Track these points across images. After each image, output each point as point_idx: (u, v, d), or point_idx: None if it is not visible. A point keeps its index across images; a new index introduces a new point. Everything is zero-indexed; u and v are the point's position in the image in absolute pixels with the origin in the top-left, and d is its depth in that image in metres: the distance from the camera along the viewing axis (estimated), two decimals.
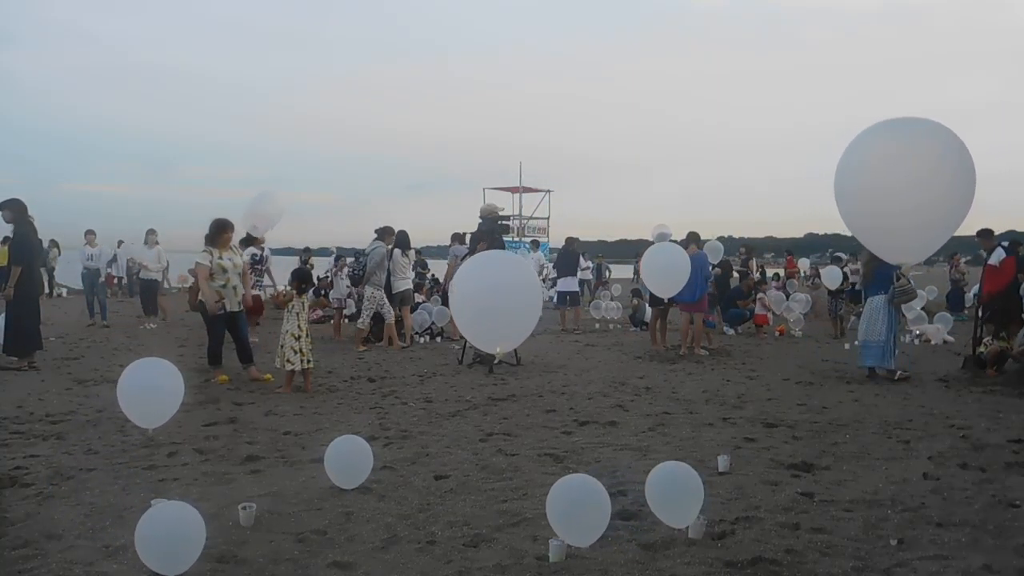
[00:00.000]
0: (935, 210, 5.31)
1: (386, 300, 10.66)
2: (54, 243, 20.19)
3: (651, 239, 14.25)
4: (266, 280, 11.71)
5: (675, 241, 11.09)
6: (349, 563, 3.30)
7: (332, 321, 12.59)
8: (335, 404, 6.76)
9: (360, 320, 10.85)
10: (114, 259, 19.77)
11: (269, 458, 4.94)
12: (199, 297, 7.81)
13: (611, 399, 7.03)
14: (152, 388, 4.80)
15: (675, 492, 3.59)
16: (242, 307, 7.94)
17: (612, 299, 16.96)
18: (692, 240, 10.74)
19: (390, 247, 10.68)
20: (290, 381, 7.30)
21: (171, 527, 3.14)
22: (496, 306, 4.63)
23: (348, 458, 4.33)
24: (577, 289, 14.60)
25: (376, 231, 10.71)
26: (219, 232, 7.79)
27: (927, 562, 3.27)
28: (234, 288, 7.79)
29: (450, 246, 12.60)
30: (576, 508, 3.37)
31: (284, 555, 3.39)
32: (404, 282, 10.94)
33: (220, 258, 7.71)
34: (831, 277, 13.16)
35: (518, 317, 4.82)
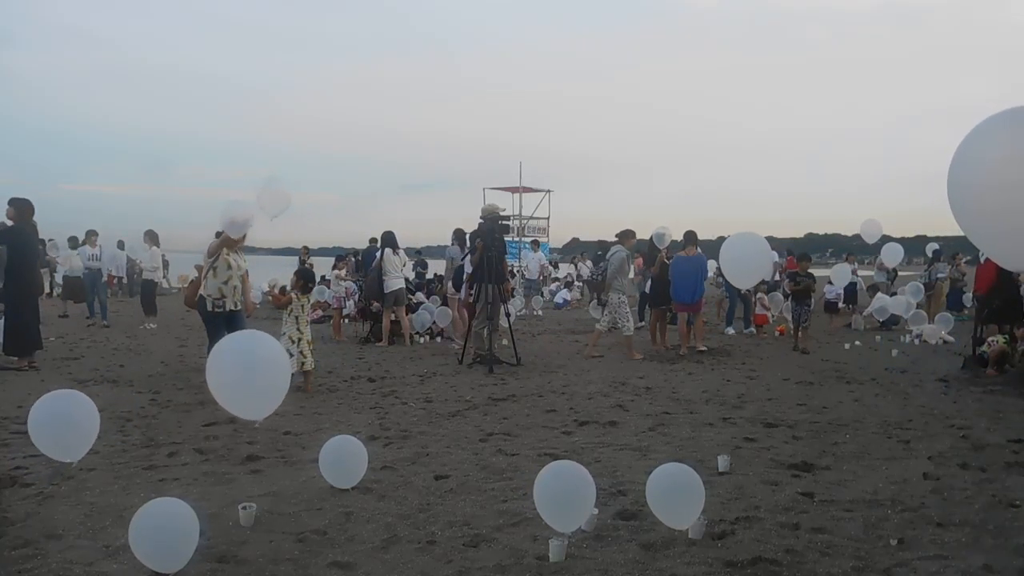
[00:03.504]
0: None
1: (627, 308, 10.12)
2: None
3: (653, 241, 14.22)
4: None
5: (674, 240, 11.08)
6: (349, 563, 3.30)
7: (332, 321, 12.59)
8: (335, 404, 6.77)
9: (625, 326, 10.03)
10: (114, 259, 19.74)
11: (269, 458, 4.94)
12: (195, 282, 7.79)
13: (611, 399, 7.03)
14: (65, 421, 4.27)
15: (676, 494, 3.58)
16: (241, 307, 7.94)
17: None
18: (690, 241, 10.71)
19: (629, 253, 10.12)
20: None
21: (163, 524, 3.15)
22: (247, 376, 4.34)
23: (342, 458, 4.31)
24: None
25: (617, 235, 10.31)
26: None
27: (927, 562, 3.27)
28: (235, 288, 7.82)
29: (450, 245, 12.52)
30: (565, 495, 3.40)
31: (284, 555, 3.39)
32: (397, 281, 10.89)
33: (227, 254, 7.72)
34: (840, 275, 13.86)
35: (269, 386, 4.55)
